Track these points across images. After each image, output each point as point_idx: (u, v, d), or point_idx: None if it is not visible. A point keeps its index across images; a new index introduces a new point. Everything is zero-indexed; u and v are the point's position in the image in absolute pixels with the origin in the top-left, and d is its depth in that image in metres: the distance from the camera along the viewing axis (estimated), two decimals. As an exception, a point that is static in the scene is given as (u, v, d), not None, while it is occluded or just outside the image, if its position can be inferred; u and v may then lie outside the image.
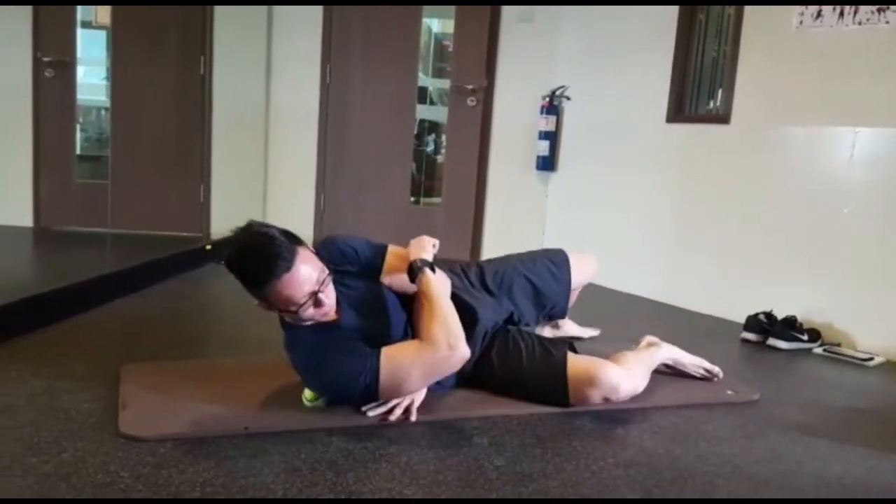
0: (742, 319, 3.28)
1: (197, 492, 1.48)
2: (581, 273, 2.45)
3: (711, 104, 3.91)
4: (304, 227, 5.01)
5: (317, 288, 1.79)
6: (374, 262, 2.03)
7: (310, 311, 1.81)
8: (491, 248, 4.71)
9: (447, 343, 1.85)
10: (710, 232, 3.74)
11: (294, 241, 1.80)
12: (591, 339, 2.75)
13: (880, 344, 3.06)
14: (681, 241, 3.87)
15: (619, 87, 4.22)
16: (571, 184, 4.56)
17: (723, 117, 3.64)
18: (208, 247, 4.21)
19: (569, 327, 2.71)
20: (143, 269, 3.55)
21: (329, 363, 1.87)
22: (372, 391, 1.85)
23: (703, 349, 2.53)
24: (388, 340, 1.93)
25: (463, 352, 1.87)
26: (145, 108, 4.78)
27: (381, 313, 2.00)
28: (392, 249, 2.06)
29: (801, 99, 3.34)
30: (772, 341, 3.12)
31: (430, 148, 5.60)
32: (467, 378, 2.14)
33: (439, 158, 5.35)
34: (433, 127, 5.54)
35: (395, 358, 1.85)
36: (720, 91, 3.79)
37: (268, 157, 5.10)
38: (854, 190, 3.17)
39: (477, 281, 2.28)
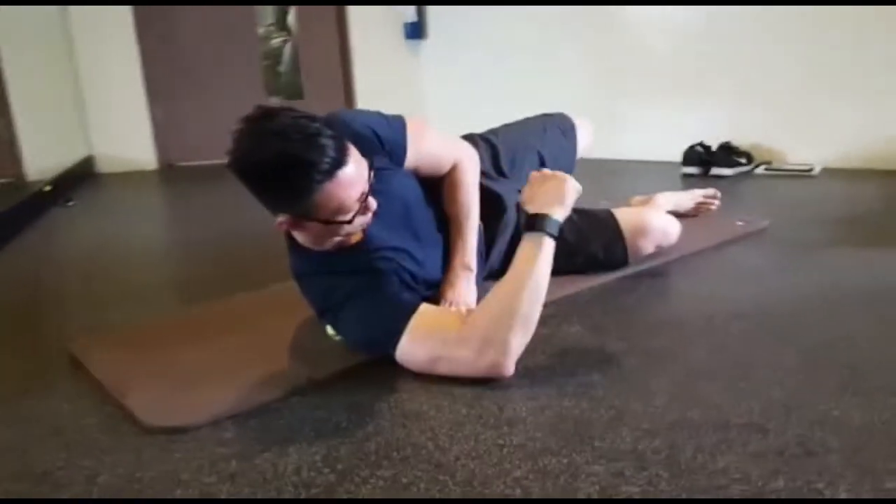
0: (673, 158, 3.21)
1: (327, 472, 1.08)
2: (583, 143, 2.17)
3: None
4: (142, 145, 4.30)
5: (367, 187, 1.37)
6: (398, 144, 1.60)
7: (358, 221, 1.38)
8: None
9: (491, 359, 1.32)
10: (620, 74, 3.59)
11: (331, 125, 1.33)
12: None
13: (808, 154, 3.12)
14: (591, 89, 3.69)
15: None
16: (448, 50, 4.19)
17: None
18: (48, 188, 3.43)
19: None
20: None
21: (356, 302, 1.43)
22: (390, 347, 1.39)
23: (649, 193, 2.40)
24: (418, 252, 1.56)
25: (506, 372, 1.34)
26: None
27: (408, 217, 1.59)
28: (412, 125, 1.64)
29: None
30: (715, 170, 3.09)
31: (278, 36, 4.92)
32: (498, 272, 1.85)
33: (292, 45, 4.71)
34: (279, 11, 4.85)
35: (428, 338, 1.37)
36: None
37: (79, 75, 4.22)
38: (758, 8, 3.11)
39: (490, 162, 1.94)
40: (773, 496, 0.96)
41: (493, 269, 1.84)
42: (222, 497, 1.05)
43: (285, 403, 1.32)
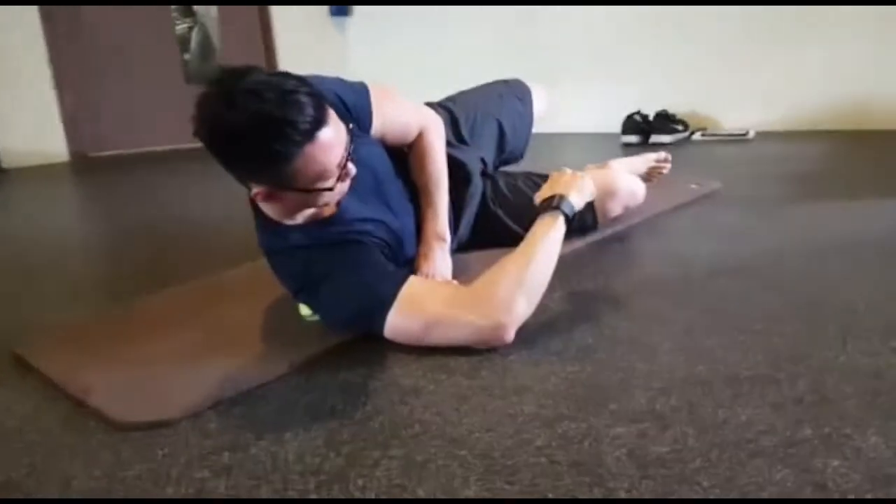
0: (611, 129, 3.22)
1: (333, 456, 1.00)
2: (539, 109, 2.13)
3: None
4: (52, 137, 4.03)
5: (347, 152, 1.28)
6: (364, 110, 1.51)
7: (338, 189, 1.30)
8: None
9: (497, 321, 1.25)
10: (554, 48, 3.57)
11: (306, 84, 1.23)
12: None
13: (741, 119, 3.18)
14: (524, 63, 3.65)
15: None
16: (376, 26, 4.08)
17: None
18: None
19: None
20: None
21: (338, 276, 1.32)
22: (378, 320, 1.30)
23: (597, 162, 2.40)
24: (393, 223, 1.49)
25: (507, 338, 1.27)
26: None
27: (379, 187, 1.51)
28: (375, 90, 1.56)
29: None
30: (655, 138, 3.12)
31: (183, 22, 4.69)
32: (467, 244, 1.81)
33: (198, 30, 4.49)
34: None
35: (423, 305, 1.28)
36: None
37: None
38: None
39: (451, 129, 1.87)
40: (805, 444, 0.94)
41: (463, 241, 1.79)
42: (220, 491, 0.95)
43: (269, 389, 1.23)
